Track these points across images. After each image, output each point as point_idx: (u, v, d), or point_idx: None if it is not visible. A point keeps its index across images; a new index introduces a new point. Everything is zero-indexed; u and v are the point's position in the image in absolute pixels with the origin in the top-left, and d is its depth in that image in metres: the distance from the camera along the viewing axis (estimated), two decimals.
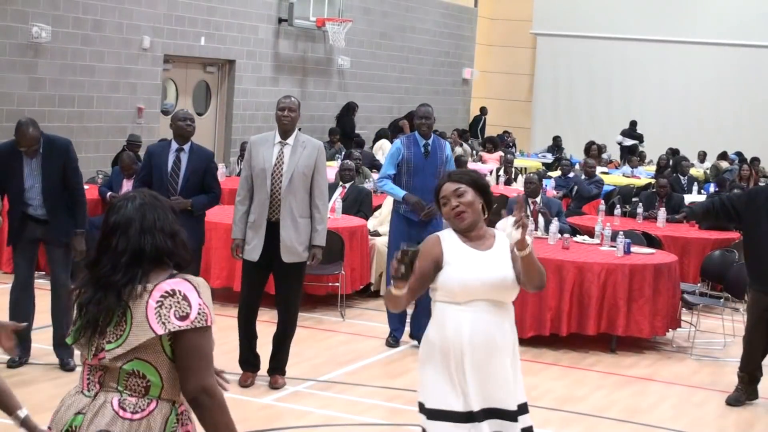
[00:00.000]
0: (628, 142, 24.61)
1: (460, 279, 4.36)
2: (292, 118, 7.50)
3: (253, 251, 7.40)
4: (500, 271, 4.40)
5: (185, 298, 3.17)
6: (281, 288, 7.58)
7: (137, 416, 3.17)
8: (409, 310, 8.66)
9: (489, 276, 4.36)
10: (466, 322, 4.35)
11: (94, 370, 3.26)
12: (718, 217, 8.27)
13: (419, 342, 8.70)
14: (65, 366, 7.67)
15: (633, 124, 25.04)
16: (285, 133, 7.50)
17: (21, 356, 7.68)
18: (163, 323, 3.14)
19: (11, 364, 7.63)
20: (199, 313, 3.16)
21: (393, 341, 9.04)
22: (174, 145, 7.90)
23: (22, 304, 7.69)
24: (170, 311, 3.15)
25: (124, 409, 3.18)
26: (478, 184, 4.56)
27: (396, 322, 9.03)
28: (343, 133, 19.89)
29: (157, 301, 3.16)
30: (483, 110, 26.24)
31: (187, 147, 7.91)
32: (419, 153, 8.80)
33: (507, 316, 4.45)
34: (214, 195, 7.98)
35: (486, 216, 4.56)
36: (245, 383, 7.51)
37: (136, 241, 3.22)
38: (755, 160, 20.03)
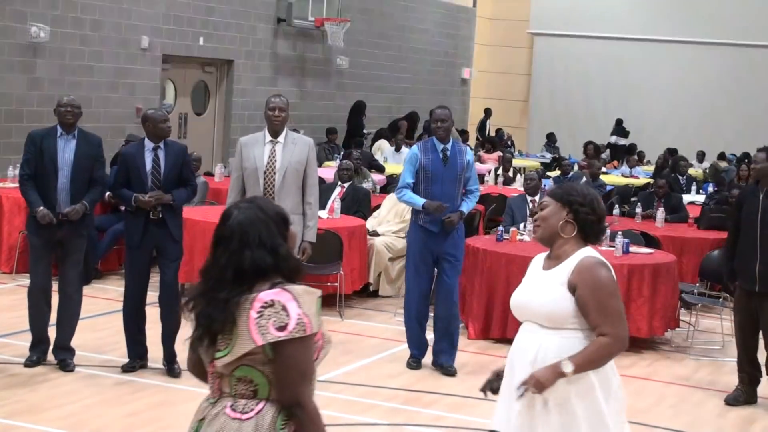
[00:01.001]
0: (622, 141, 24.64)
1: (511, 298, 4.29)
2: (283, 117, 7.52)
3: None
4: (537, 294, 4.15)
5: (284, 308, 3.22)
6: None
7: (246, 416, 3.27)
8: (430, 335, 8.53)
9: (525, 297, 4.15)
10: (516, 341, 4.27)
11: (214, 377, 3.37)
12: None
13: (440, 370, 8.61)
14: (66, 366, 7.67)
15: (619, 122, 25.07)
16: (275, 133, 7.52)
17: (40, 357, 7.74)
18: (263, 334, 3.21)
19: (28, 364, 7.66)
20: (297, 323, 3.21)
21: (414, 363, 8.48)
22: (149, 144, 7.80)
23: (40, 309, 7.72)
24: (269, 321, 3.21)
25: (234, 410, 3.29)
26: (564, 199, 4.14)
27: (415, 345, 8.50)
28: (349, 133, 19.86)
29: (258, 312, 3.23)
30: (487, 111, 26.21)
31: (162, 144, 7.85)
32: (437, 159, 8.25)
33: (556, 343, 4.10)
34: (192, 188, 7.94)
35: (574, 234, 4.15)
36: None
37: (237, 257, 3.29)
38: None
